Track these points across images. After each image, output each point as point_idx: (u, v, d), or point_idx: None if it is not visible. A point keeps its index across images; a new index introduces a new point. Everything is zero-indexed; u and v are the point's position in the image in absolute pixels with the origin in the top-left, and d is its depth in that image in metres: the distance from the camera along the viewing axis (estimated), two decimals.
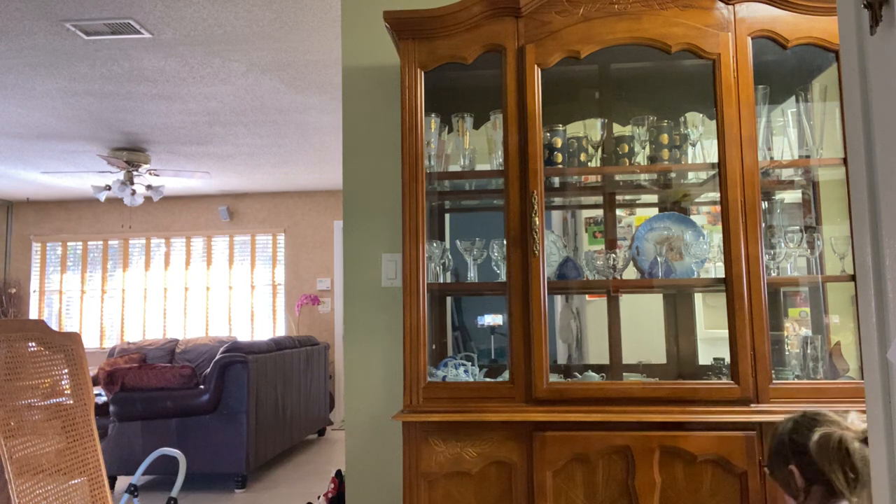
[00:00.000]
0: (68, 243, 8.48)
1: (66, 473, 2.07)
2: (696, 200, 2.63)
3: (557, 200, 2.76)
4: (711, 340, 2.47)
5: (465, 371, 2.31)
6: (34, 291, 8.46)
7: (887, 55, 0.81)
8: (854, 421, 1.45)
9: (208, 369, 5.01)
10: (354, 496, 2.67)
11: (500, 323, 2.70)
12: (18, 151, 6.23)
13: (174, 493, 2.60)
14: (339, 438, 6.75)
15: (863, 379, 0.92)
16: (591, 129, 2.40)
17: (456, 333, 2.87)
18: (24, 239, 8.50)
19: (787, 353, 2.34)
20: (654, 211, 2.62)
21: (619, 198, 2.63)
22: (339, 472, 3.06)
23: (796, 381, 2.15)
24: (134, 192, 6.28)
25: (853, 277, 2.07)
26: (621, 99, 2.59)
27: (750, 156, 2.05)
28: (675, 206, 2.57)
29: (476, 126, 2.43)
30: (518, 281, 2.09)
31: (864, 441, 1.38)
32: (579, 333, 2.80)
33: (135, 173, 6.28)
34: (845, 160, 1.98)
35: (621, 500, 1.97)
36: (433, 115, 2.32)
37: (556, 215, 2.93)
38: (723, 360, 2.28)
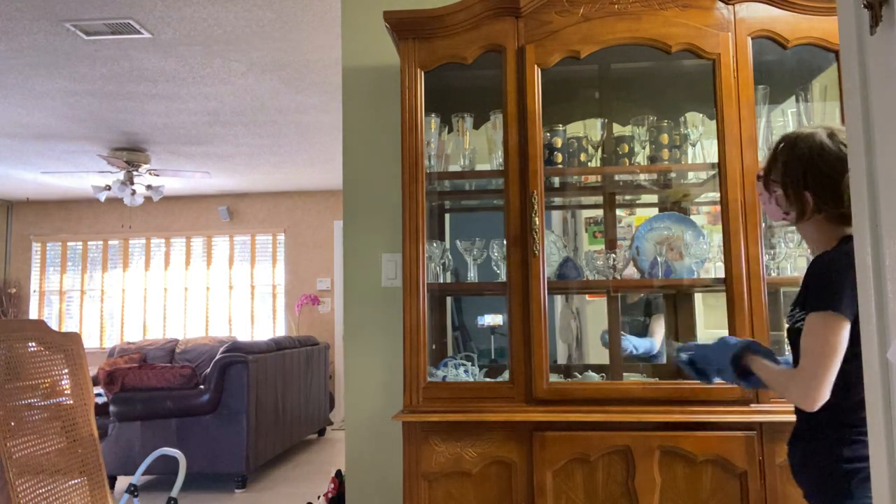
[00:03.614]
0: (68, 243, 8.48)
1: (66, 473, 2.07)
2: (696, 200, 2.63)
3: (557, 200, 2.76)
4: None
5: (465, 371, 2.31)
6: (34, 291, 8.46)
7: (887, 55, 0.81)
8: None
9: (208, 369, 5.01)
10: (354, 496, 2.67)
11: (500, 323, 2.70)
12: (18, 151, 6.23)
13: (174, 493, 2.60)
14: (339, 438, 6.75)
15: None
16: (591, 129, 2.40)
17: (456, 333, 2.87)
18: (24, 239, 8.50)
19: (787, 352, 2.34)
20: (654, 211, 2.62)
21: (619, 198, 2.63)
22: (339, 472, 3.06)
23: None
24: (134, 192, 6.29)
25: None
26: (621, 99, 2.59)
27: (750, 156, 2.05)
28: (675, 206, 2.57)
29: (476, 126, 2.43)
30: (518, 281, 2.09)
31: None
32: (579, 333, 2.81)
33: (135, 173, 6.28)
34: None
35: (621, 500, 1.97)
36: (433, 115, 2.32)
37: (556, 215, 2.93)
38: None
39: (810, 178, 1.40)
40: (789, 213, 1.45)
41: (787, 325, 1.48)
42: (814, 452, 1.40)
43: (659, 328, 2.61)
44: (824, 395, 1.30)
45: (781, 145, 1.48)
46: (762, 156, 2.18)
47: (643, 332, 2.63)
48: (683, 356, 1.61)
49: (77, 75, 4.36)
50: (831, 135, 1.41)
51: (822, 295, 1.33)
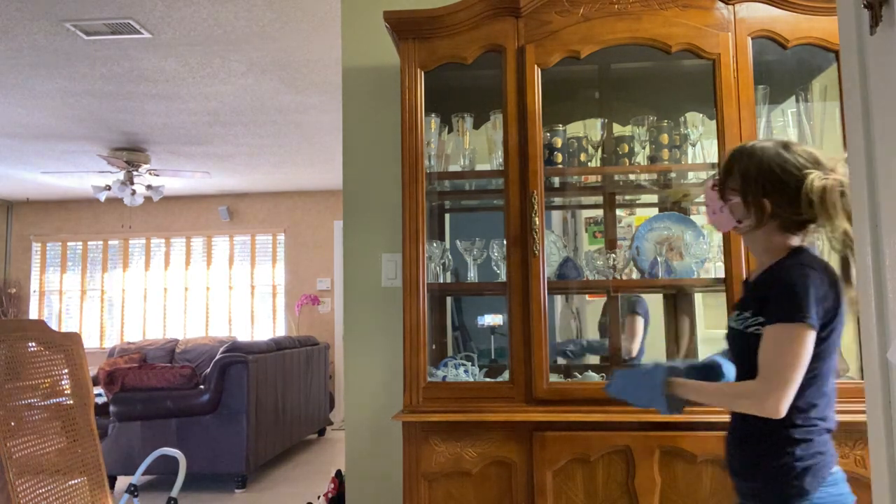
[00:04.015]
0: (68, 243, 8.48)
1: (66, 473, 2.07)
2: (696, 200, 2.63)
3: (557, 200, 2.76)
4: (711, 340, 2.46)
5: (465, 371, 2.31)
6: (34, 291, 8.46)
7: (887, 55, 0.81)
8: (838, 168, 1.44)
9: (208, 369, 5.01)
10: (354, 496, 2.67)
11: (500, 323, 2.70)
12: (18, 151, 6.23)
13: (174, 493, 2.60)
14: (339, 438, 6.75)
15: (863, 379, 0.92)
16: (591, 129, 2.39)
17: (456, 333, 2.86)
18: (24, 239, 8.50)
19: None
20: (654, 211, 2.62)
21: (619, 198, 2.63)
22: (339, 472, 3.06)
23: None
24: (134, 192, 6.28)
25: None
26: (621, 99, 2.59)
27: None
28: (675, 206, 2.57)
29: (476, 126, 2.43)
30: (518, 281, 2.09)
31: None
32: (579, 333, 2.80)
33: (135, 173, 6.28)
34: (845, 160, 1.98)
35: (621, 500, 1.97)
36: (433, 115, 2.32)
37: (556, 215, 2.92)
38: None
39: (769, 186, 1.45)
40: (742, 222, 1.49)
41: (736, 327, 1.50)
42: (766, 453, 1.43)
43: (633, 329, 2.61)
44: (790, 401, 1.37)
45: (738, 155, 1.52)
46: None
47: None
48: (611, 390, 1.64)
49: (77, 75, 4.36)
50: (786, 146, 1.47)
51: (788, 305, 1.37)
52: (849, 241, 1.39)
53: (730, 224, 1.52)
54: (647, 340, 2.64)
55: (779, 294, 1.39)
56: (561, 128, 2.29)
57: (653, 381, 1.53)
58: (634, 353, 2.55)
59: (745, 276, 1.76)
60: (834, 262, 1.47)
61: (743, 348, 1.47)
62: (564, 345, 2.69)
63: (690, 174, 2.39)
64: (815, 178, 1.40)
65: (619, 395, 1.61)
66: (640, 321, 2.59)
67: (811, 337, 1.36)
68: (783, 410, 1.36)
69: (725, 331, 1.59)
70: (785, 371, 1.36)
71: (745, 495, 1.48)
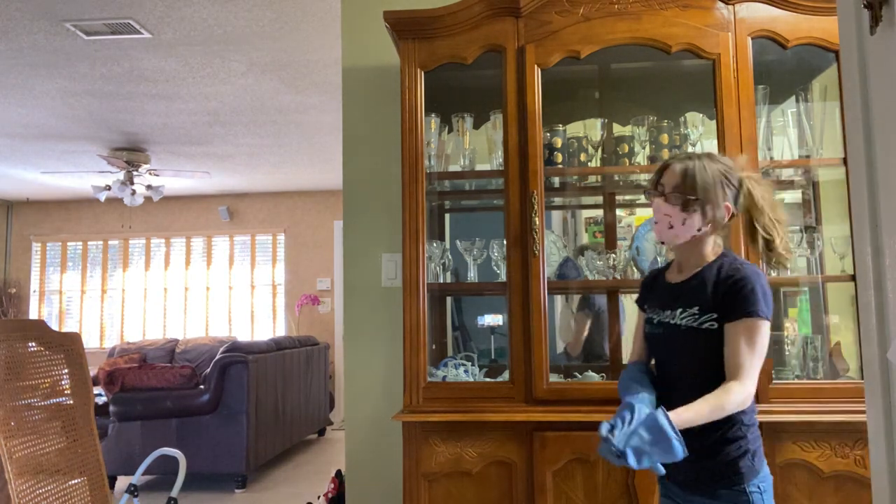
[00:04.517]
0: (68, 243, 8.48)
1: (66, 473, 2.07)
2: None
3: (557, 200, 2.76)
4: None
5: (465, 371, 2.31)
6: (34, 291, 8.46)
7: (887, 55, 0.81)
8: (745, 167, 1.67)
9: (208, 369, 5.01)
10: (354, 496, 2.67)
11: (500, 323, 2.70)
12: (18, 151, 6.23)
13: (174, 493, 2.60)
14: (339, 438, 6.74)
15: (863, 379, 0.92)
16: (591, 129, 2.39)
17: (456, 333, 2.86)
18: (24, 239, 8.50)
19: (787, 353, 2.34)
20: None
21: (619, 198, 2.63)
22: (339, 472, 3.06)
23: (796, 381, 2.15)
24: (134, 192, 6.28)
25: (853, 277, 2.07)
26: (621, 99, 2.59)
27: (750, 156, 2.05)
28: None
29: (476, 126, 2.43)
30: (518, 281, 2.09)
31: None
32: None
33: (135, 173, 6.28)
34: (845, 160, 1.98)
35: (621, 500, 1.97)
36: (433, 115, 2.32)
37: (556, 215, 2.93)
38: None
39: (723, 191, 1.59)
40: (701, 229, 1.59)
41: (685, 324, 1.56)
42: (726, 438, 1.52)
43: (580, 328, 2.63)
44: None
45: (692, 170, 1.61)
46: (762, 155, 2.19)
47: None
48: (628, 454, 1.39)
49: (77, 75, 4.36)
50: (710, 156, 1.64)
51: (752, 303, 1.50)
52: (770, 227, 1.59)
53: (689, 233, 1.61)
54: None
55: (742, 293, 1.51)
56: (561, 128, 2.29)
57: (660, 431, 1.39)
58: (577, 353, 2.56)
59: (657, 277, 1.77)
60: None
61: (694, 343, 1.56)
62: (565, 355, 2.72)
63: None
64: (746, 180, 1.61)
65: (640, 467, 1.40)
66: (588, 320, 2.61)
67: (767, 329, 1.52)
68: (752, 398, 1.52)
69: (655, 329, 1.63)
70: (755, 363, 1.50)
71: (696, 481, 1.54)
